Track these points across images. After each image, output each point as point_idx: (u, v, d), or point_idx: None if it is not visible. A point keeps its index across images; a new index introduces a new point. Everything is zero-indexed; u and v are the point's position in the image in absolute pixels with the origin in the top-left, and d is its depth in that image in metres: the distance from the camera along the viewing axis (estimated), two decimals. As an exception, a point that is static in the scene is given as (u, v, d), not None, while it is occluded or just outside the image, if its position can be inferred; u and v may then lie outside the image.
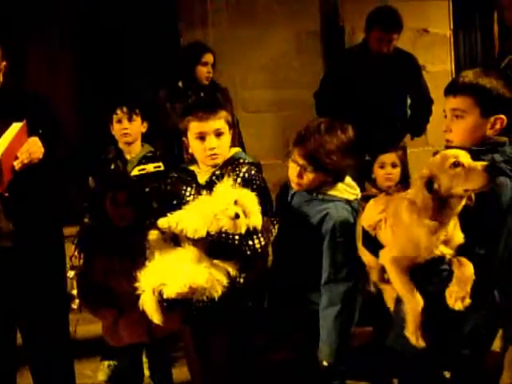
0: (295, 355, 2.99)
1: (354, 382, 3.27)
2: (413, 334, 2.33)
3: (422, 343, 2.33)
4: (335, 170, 2.80)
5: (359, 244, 2.66)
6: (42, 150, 2.88)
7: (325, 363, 2.82)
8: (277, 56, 5.50)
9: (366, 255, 2.64)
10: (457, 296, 2.24)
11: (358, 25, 5.50)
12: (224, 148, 2.92)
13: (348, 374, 3.03)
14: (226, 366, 2.93)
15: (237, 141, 4.42)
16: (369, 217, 2.52)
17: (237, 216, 2.67)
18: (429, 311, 2.33)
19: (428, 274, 2.33)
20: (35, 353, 3.15)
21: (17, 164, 2.80)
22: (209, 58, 4.64)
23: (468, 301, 2.22)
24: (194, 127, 2.90)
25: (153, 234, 2.82)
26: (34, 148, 2.86)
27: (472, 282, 2.26)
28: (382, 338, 2.68)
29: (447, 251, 2.29)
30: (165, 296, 2.68)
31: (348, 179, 2.92)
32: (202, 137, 2.88)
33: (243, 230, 2.68)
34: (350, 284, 2.78)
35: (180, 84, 4.59)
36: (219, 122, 2.89)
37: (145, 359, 3.64)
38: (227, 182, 2.78)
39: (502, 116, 2.38)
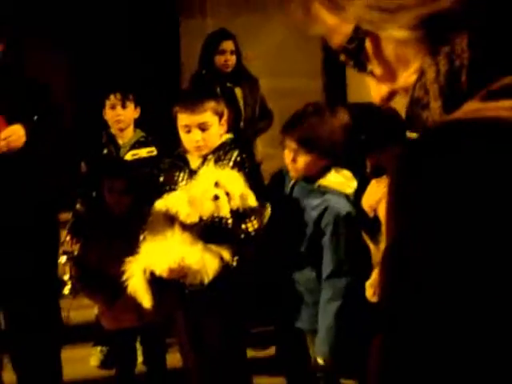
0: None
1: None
2: (372, 287, 2.31)
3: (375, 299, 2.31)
4: (328, 150, 2.76)
5: None
6: (24, 139, 2.87)
7: (320, 361, 2.78)
8: (276, 44, 5.45)
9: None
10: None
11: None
12: (210, 140, 2.88)
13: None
14: (219, 351, 2.93)
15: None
16: (371, 196, 2.49)
17: (216, 198, 2.66)
18: None
19: None
20: (20, 340, 3.13)
21: None
22: (227, 45, 4.49)
23: None
24: (180, 119, 2.89)
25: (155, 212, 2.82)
26: (14, 136, 2.85)
27: None
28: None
29: None
30: (157, 273, 2.69)
31: (346, 172, 2.88)
32: (188, 129, 2.87)
33: (226, 212, 2.68)
34: (353, 278, 2.72)
35: (204, 72, 4.52)
36: (205, 115, 2.85)
37: (138, 345, 3.64)
38: (210, 164, 2.77)
39: None
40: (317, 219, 2.74)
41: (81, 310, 4.10)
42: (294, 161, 2.77)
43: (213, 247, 2.74)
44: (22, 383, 3.14)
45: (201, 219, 2.71)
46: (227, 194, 2.70)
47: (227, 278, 2.77)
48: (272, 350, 3.81)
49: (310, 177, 2.81)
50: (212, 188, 2.68)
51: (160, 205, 2.82)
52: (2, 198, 2.91)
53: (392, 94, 0.79)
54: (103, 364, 3.89)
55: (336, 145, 2.75)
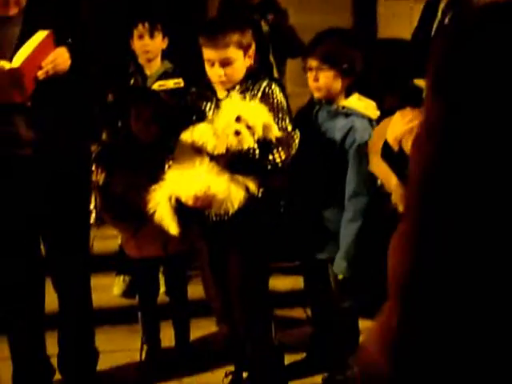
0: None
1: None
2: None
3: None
4: (349, 66, 2.85)
5: (375, 158, 2.66)
6: (69, 62, 2.82)
7: (340, 277, 2.90)
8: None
9: (381, 171, 2.63)
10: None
11: None
12: (234, 75, 2.82)
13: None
14: (241, 282, 2.95)
15: None
16: (396, 128, 2.49)
17: (237, 133, 2.64)
18: None
19: None
20: (58, 264, 3.19)
21: (40, 74, 2.75)
22: None
23: None
24: (204, 52, 2.84)
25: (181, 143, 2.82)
26: (61, 59, 2.79)
27: None
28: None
29: None
30: (182, 200, 2.69)
31: (369, 100, 2.95)
32: (211, 63, 2.82)
33: (251, 145, 2.65)
34: (374, 198, 2.79)
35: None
36: (227, 50, 2.77)
37: (161, 276, 3.68)
38: (233, 97, 2.74)
39: None
40: (341, 140, 2.83)
41: (104, 241, 4.16)
42: (317, 79, 2.87)
43: (239, 178, 2.73)
44: (62, 303, 3.21)
45: (227, 150, 2.70)
46: (249, 127, 2.67)
47: (252, 210, 2.77)
48: (293, 282, 3.85)
49: (334, 100, 2.93)
50: (233, 123, 2.66)
51: (186, 136, 2.81)
52: (43, 125, 2.89)
53: None
54: (125, 293, 3.95)
55: (357, 61, 2.87)
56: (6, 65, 2.66)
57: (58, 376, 3.31)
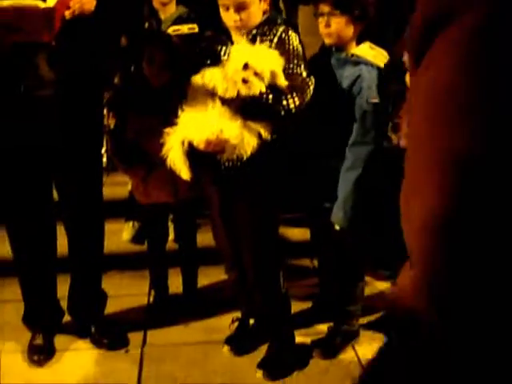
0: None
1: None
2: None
3: None
4: (361, 12, 2.82)
5: None
6: (94, 2, 2.79)
7: (337, 227, 2.89)
8: None
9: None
10: None
11: None
12: (249, 19, 2.77)
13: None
14: (251, 230, 2.94)
15: None
16: None
17: (244, 81, 2.62)
18: None
19: None
20: (70, 208, 3.19)
21: (68, 14, 2.72)
22: None
23: None
24: None
25: (193, 87, 2.79)
26: None
27: None
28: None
29: None
30: (194, 144, 2.67)
31: (380, 49, 2.92)
32: (226, 8, 2.77)
33: (263, 89, 2.63)
34: (375, 147, 2.81)
35: None
36: None
37: (170, 223, 3.69)
38: (242, 43, 2.72)
39: None
40: (349, 88, 2.81)
41: (114, 187, 4.17)
42: (328, 25, 2.85)
43: (252, 124, 2.70)
44: (73, 246, 3.23)
45: (238, 95, 2.67)
46: (257, 74, 2.64)
47: (264, 157, 2.75)
48: (302, 233, 3.86)
49: (345, 46, 2.90)
50: (240, 71, 2.63)
51: (197, 79, 2.78)
52: (64, 65, 2.87)
53: None
54: (135, 239, 3.95)
55: (369, 7, 2.83)
56: (41, 4, 2.62)
57: (66, 318, 3.36)
